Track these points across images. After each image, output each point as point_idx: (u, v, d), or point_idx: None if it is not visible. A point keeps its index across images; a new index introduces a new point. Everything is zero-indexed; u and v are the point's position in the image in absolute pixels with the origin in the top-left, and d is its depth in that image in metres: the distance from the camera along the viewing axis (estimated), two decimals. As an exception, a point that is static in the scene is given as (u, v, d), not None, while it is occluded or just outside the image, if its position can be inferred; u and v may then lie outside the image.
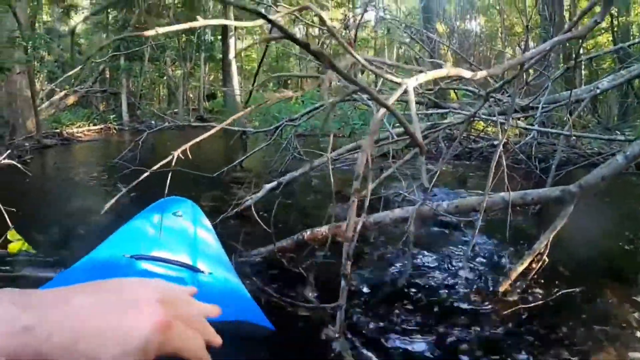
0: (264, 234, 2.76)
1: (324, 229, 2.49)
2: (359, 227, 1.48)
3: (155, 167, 1.64)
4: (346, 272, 1.31)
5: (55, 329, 0.40)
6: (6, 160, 4.11)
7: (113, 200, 1.64)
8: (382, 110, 1.30)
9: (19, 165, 4.35)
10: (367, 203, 1.39)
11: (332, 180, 1.67)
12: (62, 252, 3.12)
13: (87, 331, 0.41)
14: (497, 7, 16.75)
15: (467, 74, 1.46)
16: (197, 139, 1.75)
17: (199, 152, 7.45)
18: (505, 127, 2.36)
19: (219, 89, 20.27)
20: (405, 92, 1.24)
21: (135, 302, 0.45)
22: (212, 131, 1.78)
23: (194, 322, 0.49)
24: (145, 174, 1.67)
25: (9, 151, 5.02)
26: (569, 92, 4.98)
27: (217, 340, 0.52)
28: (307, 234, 2.48)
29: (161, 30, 0.86)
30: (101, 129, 14.23)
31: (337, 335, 1.36)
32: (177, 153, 1.53)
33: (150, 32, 0.86)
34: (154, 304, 0.45)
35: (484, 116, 4.18)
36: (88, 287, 0.47)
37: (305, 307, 1.99)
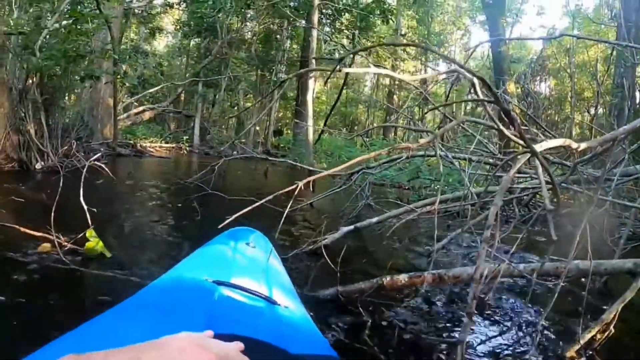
0: (329, 274, 2.88)
1: (403, 277, 2.58)
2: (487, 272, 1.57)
3: (273, 195, 1.79)
4: (470, 311, 1.42)
5: None
6: (95, 162, 4.41)
7: (231, 219, 1.78)
8: (513, 170, 1.43)
9: (105, 168, 4.65)
10: (494, 251, 1.49)
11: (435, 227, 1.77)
12: (134, 258, 3.27)
13: None
14: (568, 71, 16.57)
15: (575, 144, 1.58)
16: (321, 174, 1.89)
17: (265, 185, 7.67)
18: (595, 199, 2.43)
19: (291, 125, 20.70)
20: (532, 155, 1.37)
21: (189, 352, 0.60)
22: (332, 171, 1.92)
23: (233, 354, 0.65)
24: (258, 203, 1.81)
25: (99, 154, 5.38)
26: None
27: None
28: (387, 280, 2.57)
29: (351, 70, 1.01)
30: (172, 147, 14.82)
31: None
32: (301, 184, 1.68)
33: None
34: (204, 353, 0.60)
35: (570, 185, 4.21)
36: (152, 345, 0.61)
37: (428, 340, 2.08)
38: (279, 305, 1.33)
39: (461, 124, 5.34)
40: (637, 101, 13.44)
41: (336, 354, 1.17)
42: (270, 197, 1.85)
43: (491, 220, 1.35)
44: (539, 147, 1.43)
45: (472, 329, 2.59)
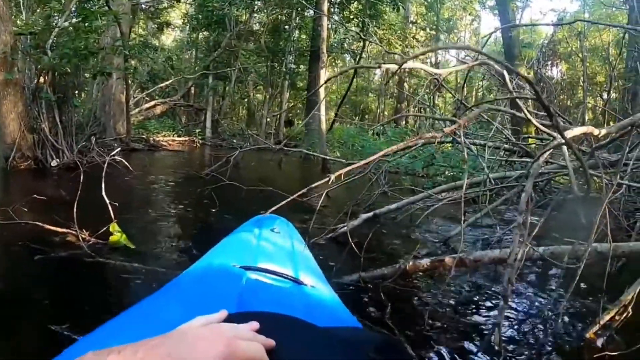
0: (351, 261, 2.91)
1: (425, 261, 2.62)
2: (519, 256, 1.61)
3: (306, 188, 1.83)
4: (507, 295, 1.46)
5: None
6: (116, 157, 4.48)
7: (276, 207, 1.82)
8: (543, 157, 1.47)
9: (125, 162, 4.72)
10: (526, 235, 1.52)
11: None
12: (157, 250, 3.36)
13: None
14: (580, 55, 16.39)
15: (596, 131, 1.61)
16: (361, 163, 1.93)
17: (281, 176, 7.71)
18: (614, 183, 2.45)
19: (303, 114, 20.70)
20: (564, 144, 1.40)
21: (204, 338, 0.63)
22: (362, 162, 1.95)
23: (246, 337, 0.67)
24: (293, 197, 1.85)
25: (118, 149, 5.45)
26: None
27: (271, 342, 0.69)
28: (409, 264, 2.61)
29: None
30: (185, 140, 14.89)
31: (497, 348, 1.50)
32: (333, 177, 1.71)
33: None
34: (218, 337, 0.63)
35: (589, 170, 4.21)
36: (166, 339, 0.63)
37: (457, 324, 2.12)
38: (306, 285, 1.36)
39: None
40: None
41: (360, 324, 1.20)
42: (304, 190, 1.89)
43: (523, 206, 1.38)
44: (570, 133, 1.46)
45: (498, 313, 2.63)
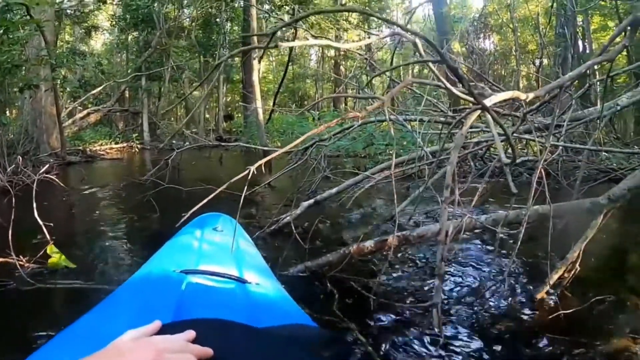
0: (297, 251, 2.85)
1: (369, 243, 2.58)
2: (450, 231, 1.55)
3: (227, 183, 1.73)
4: (440, 273, 1.40)
5: None
6: (45, 175, 4.24)
7: (189, 213, 1.73)
8: (466, 127, 1.41)
9: (57, 181, 4.49)
10: (455, 208, 1.48)
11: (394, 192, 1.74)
12: (99, 266, 3.21)
13: None
14: (511, 26, 16.86)
15: (523, 95, 1.58)
16: (274, 154, 1.84)
17: (221, 172, 7.57)
18: (547, 145, 2.46)
19: (243, 107, 20.52)
20: (483, 110, 1.35)
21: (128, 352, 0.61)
22: (284, 149, 1.87)
23: (177, 348, 0.64)
24: (217, 191, 1.75)
25: (47, 165, 5.18)
26: (592, 109, 5.06)
27: (206, 351, 0.66)
28: (354, 247, 2.57)
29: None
30: (123, 147, 14.50)
31: (437, 331, 1.45)
32: (253, 168, 1.62)
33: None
34: (145, 353, 0.61)
35: (522, 135, 4.27)
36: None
37: (403, 307, 2.08)
38: (250, 283, 1.33)
39: (410, 87, 5.34)
40: (580, 49, 13.83)
41: (314, 323, 1.17)
42: (227, 184, 1.79)
43: (449, 180, 1.33)
44: (488, 102, 1.42)
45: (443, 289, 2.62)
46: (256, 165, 1.64)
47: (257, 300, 1.25)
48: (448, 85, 1.65)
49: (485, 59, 16.16)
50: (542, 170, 2.15)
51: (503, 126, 1.48)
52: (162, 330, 0.71)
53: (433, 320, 1.39)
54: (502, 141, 3.01)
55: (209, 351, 0.66)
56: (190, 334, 0.69)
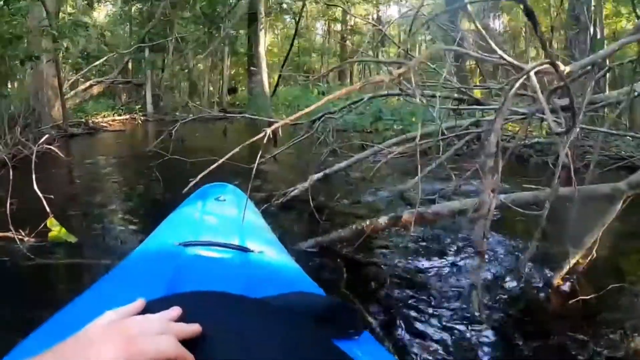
0: (307, 225, 2.76)
1: (382, 220, 2.50)
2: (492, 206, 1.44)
3: (238, 147, 1.63)
4: (482, 250, 1.30)
5: None
6: (46, 147, 4.14)
7: (192, 184, 1.63)
8: (513, 90, 1.30)
9: (57, 151, 4.40)
10: (498, 179, 1.36)
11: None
12: (101, 240, 3.17)
13: None
14: (521, 6, 16.61)
15: (562, 66, 1.46)
16: (284, 121, 1.73)
17: (225, 143, 7.49)
18: (576, 127, 2.34)
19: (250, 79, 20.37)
20: (528, 78, 1.24)
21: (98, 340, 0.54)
22: (295, 115, 1.75)
23: (156, 330, 0.56)
24: (228, 155, 1.64)
25: (47, 136, 5.08)
26: (610, 92, 4.91)
27: (193, 329, 0.59)
28: (367, 224, 2.48)
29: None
30: (126, 119, 14.42)
31: (477, 314, 1.36)
32: (269, 131, 1.52)
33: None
34: (116, 339, 0.54)
35: (540, 115, 4.15)
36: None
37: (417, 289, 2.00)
38: (252, 251, 1.26)
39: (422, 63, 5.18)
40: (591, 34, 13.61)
41: (321, 290, 1.10)
42: (236, 149, 1.68)
43: (492, 148, 1.21)
44: (531, 68, 1.29)
45: (456, 265, 2.54)
46: (271, 128, 1.53)
47: (259, 269, 1.19)
48: (483, 54, 1.51)
49: (496, 39, 15.97)
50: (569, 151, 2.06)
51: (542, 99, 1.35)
52: (148, 308, 0.64)
53: (472, 302, 1.29)
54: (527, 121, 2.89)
55: (195, 328, 0.59)
56: (175, 311, 0.62)
